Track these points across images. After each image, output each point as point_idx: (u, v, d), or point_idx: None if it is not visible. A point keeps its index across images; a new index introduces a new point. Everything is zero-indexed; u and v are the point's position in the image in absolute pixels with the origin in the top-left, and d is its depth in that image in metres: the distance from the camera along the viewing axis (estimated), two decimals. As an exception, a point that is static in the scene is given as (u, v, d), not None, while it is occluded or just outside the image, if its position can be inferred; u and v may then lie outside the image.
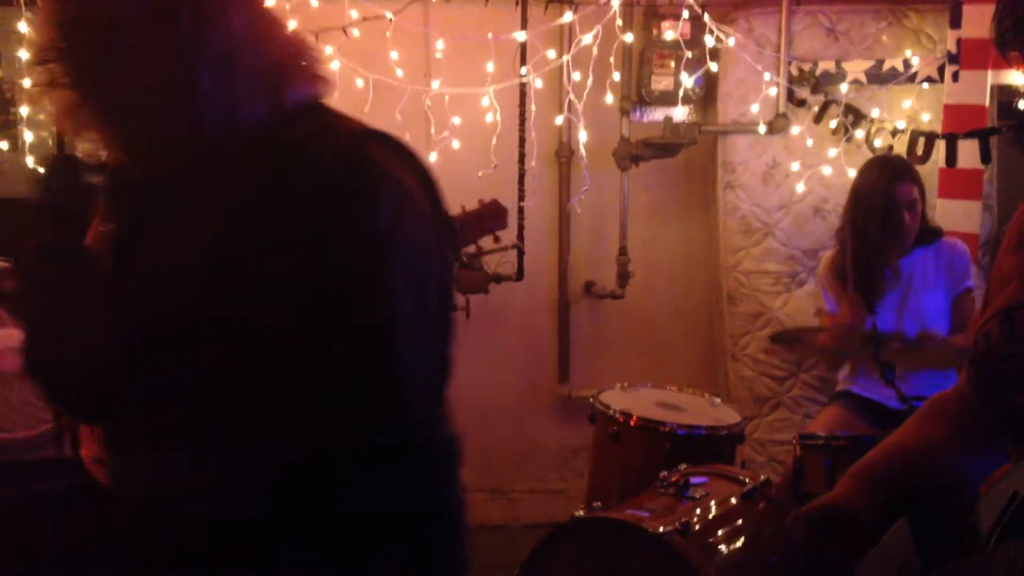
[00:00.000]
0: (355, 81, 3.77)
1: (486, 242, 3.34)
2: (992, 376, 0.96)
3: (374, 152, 1.38)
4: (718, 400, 3.50)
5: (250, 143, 1.32)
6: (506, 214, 3.33)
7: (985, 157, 3.72)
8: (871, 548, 1.08)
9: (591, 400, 3.31)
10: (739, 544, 2.50)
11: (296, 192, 1.29)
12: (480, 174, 3.71)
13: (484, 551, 3.94)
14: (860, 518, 1.09)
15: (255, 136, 1.32)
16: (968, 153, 3.76)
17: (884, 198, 3.42)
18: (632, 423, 3.10)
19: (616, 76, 3.96)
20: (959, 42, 3.82)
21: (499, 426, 4.43)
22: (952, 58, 3.86)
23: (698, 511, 2.55)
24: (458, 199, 3.21)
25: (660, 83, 4.07)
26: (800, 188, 4.15)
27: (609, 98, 3.96)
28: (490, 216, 3.31)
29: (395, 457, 1.36)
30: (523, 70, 3.91)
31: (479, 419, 4.39)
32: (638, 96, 4.13)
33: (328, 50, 3.70)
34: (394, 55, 3.85)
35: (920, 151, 3.92)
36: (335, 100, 1.48)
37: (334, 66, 3.65)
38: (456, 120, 3.95)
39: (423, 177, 1.47)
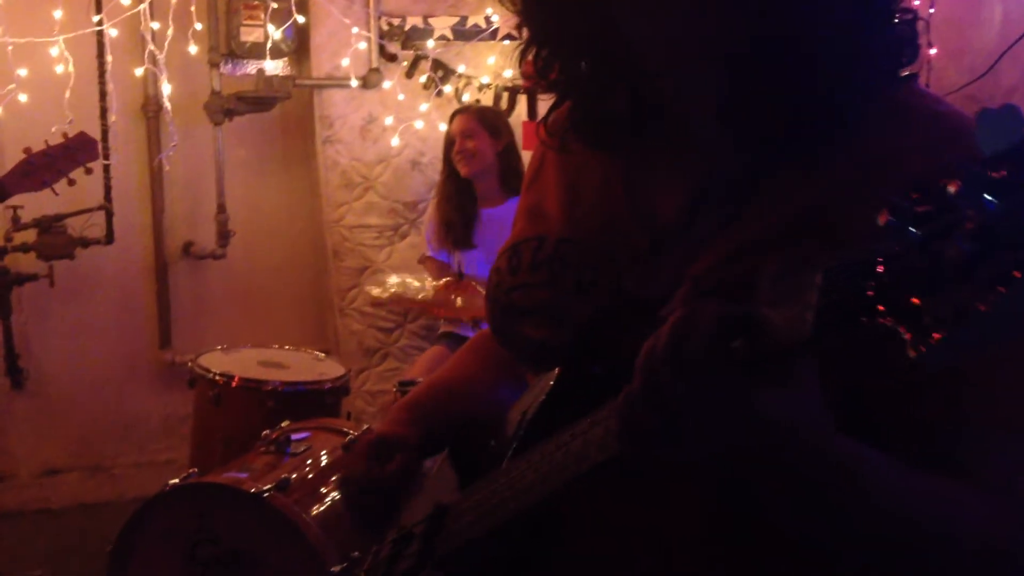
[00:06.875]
0: None
1: (69, 204, 3.16)
2: (501, 307, 1.02)
3: None
4: (323, 355, 3.51)
5: None
6: (96, 145, 3.21)
7: (561, 110, 4.00)
8: (417, 475, 1.13)
9: (190, 364, 3.20)
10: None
11: None
12: (54, 130, 3.42)
13: (83, 532, 3.77)
14: (408, 443, 1.15)
15: None
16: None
17: (447, 138, 3.67)
18: (233, 384, 3.04)
19: (199, 26, 3.80)
20: (533, 1, 4.06)
21: (95, 399, 4.17)
22: (529, 16, 4.09)
23: (299, 466, 2.56)
24: (30, 158, 2.98)
25: (250, 35, 3.96)
26: (396, 142, 4.23)
27: (194, 49, 3.79)
28: (79, 147, 3.13)
29: None
30: (96, 18, 3.64)
31: (72, 393, 4.12)
32: (228, 48, 3.99)
33: None
34: (-59, -2, 3.44)
35: (505, 105, 4.13)
36: None
37: None
38: (23, 72, 3.61)
39: None
